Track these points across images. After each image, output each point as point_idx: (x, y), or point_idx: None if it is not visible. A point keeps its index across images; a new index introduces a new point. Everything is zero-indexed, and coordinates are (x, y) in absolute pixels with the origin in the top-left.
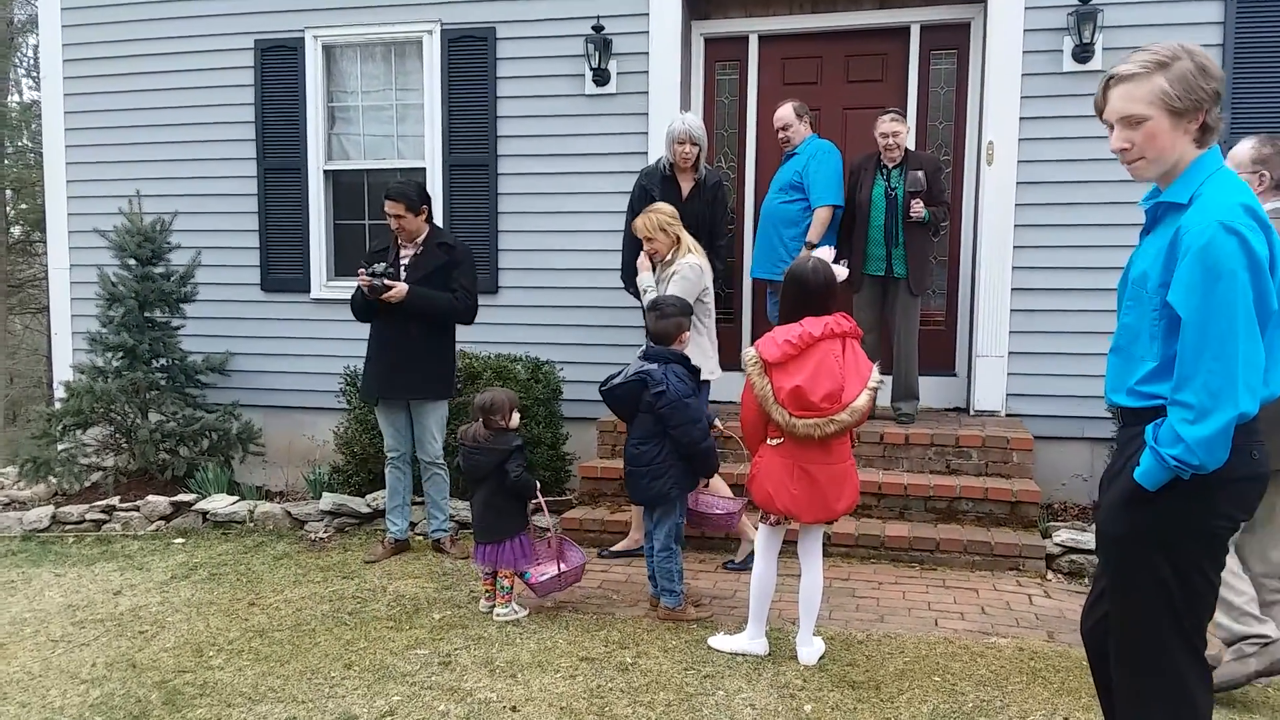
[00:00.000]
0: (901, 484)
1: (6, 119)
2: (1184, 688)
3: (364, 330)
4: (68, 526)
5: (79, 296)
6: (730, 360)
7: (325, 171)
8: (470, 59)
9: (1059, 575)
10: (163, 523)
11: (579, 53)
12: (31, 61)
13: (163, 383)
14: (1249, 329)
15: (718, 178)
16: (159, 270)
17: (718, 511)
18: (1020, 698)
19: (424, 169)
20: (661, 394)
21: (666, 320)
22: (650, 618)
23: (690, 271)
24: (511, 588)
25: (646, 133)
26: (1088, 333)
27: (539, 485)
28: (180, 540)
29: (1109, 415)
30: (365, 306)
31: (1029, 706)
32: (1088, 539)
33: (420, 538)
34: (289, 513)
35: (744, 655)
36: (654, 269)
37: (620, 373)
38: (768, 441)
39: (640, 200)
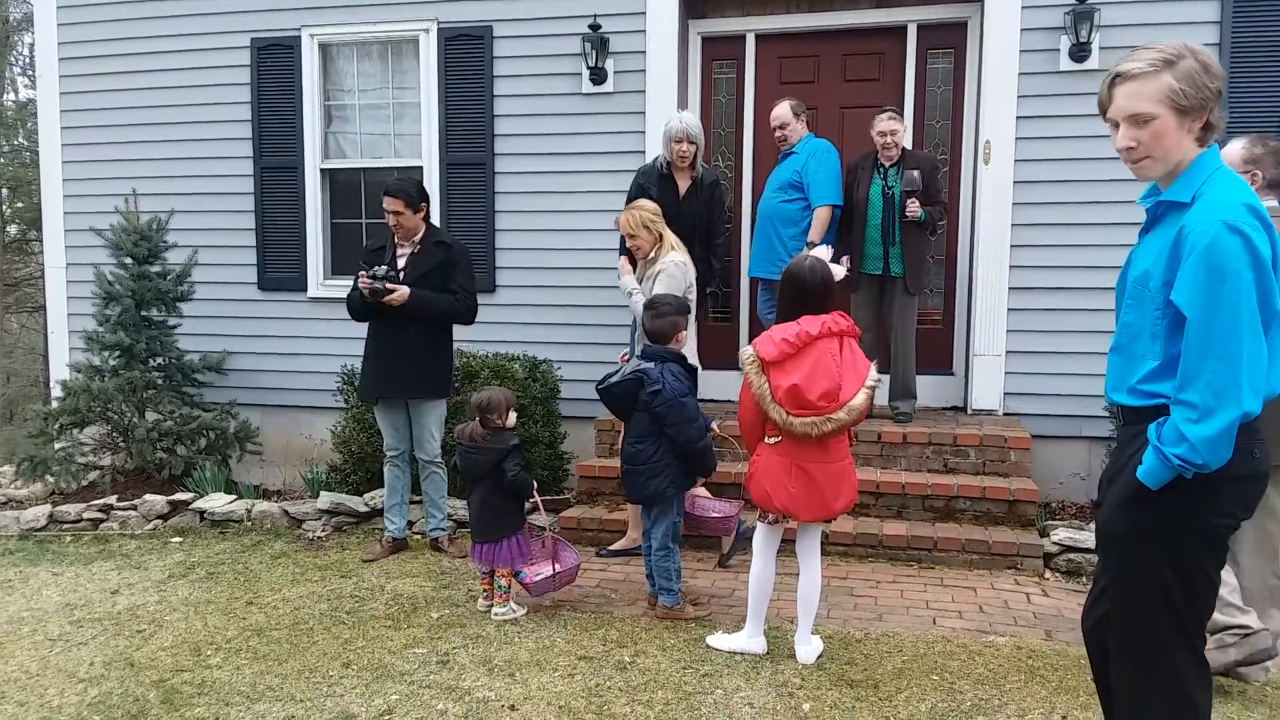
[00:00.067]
0: (899, 483)
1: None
2: (1183, 685)
3: (361, 329)
4: (65, 525)
5: (75, 295)
6: (728, 359)
7: (322, 170)
8: (467, 58)
9: (1057, 574)
10: (160, 522)
11: (576, 51)
12: (27, 60)
13: (160, 381)
14: (1253, 328)
15: (715, 176)
16: (156, 269)
17: (715, 515)
18: (1018, 696)
19: (421, 168)
20: (658, 393)
21: (662, 319)
22: (648, 616)
23: (676, 269)
24: (509, 587)
25: (644, 131)
26: (1085, 332)
27: (536, 484)
28: (178, 539)
29: (1106, 414)
30: (363, 307)
31: (1027, 705)
32: (1085, 538)
33: (418, 536)
34: (287, 512)
35: (742, 654)
36: (635, 268)
37: (617, 371)
38: (765, 440)
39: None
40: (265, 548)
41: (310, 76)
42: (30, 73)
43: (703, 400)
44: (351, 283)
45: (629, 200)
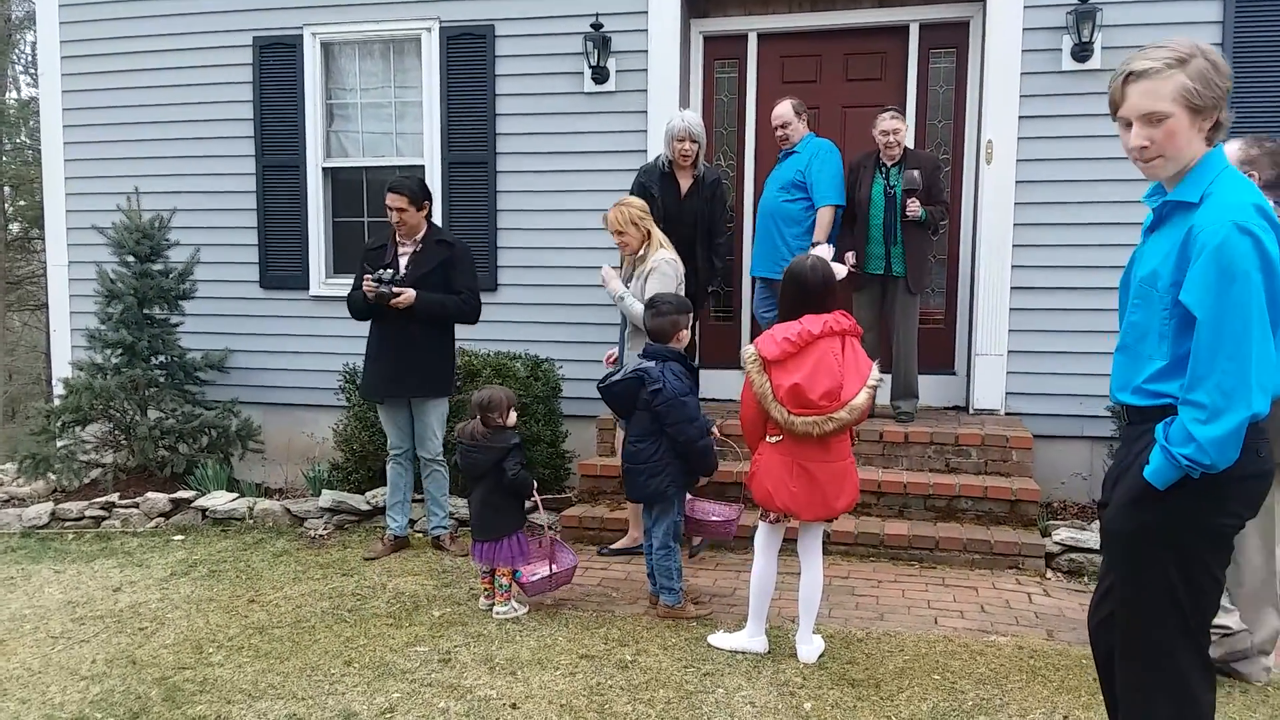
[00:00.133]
0: (901, 482)
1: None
2: (1188, 685)
3: (363, 328)
4: (67, 523)
5: (78, 293)
6: (729, 358)
7: (324, 169)
8: (469, 57)
9: (1058, 574)
10: (162, 519)
11: (578, 51)
12: (29, 58)
13: (162, 380)
14: (1262, 329)
15: (716, 175)
16: (158, 267)
17: (714, 519)
18: (1020, 696)
19: (423, 166)
20: (658, 391)
21: (663, 318)
22: (650, 615)
23: (669, 268)
24: (510, 585)
25: (645, 131)
26: (1087, 331)
27: (536, 484)
28: (180, 537)
29: (1108, 414)
30: (365, 308)
31: (1028, 705)
32: (1087, 537)
33: (420, 535)
34: (288, 510)
35: (744, 653)
36: (622, 267)
37: (619, 370)
38: (767, 439)
39: (639, 198)
40: (267, 546)
41: (312, 75)
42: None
43: (704, 399)
44: (352, 282)
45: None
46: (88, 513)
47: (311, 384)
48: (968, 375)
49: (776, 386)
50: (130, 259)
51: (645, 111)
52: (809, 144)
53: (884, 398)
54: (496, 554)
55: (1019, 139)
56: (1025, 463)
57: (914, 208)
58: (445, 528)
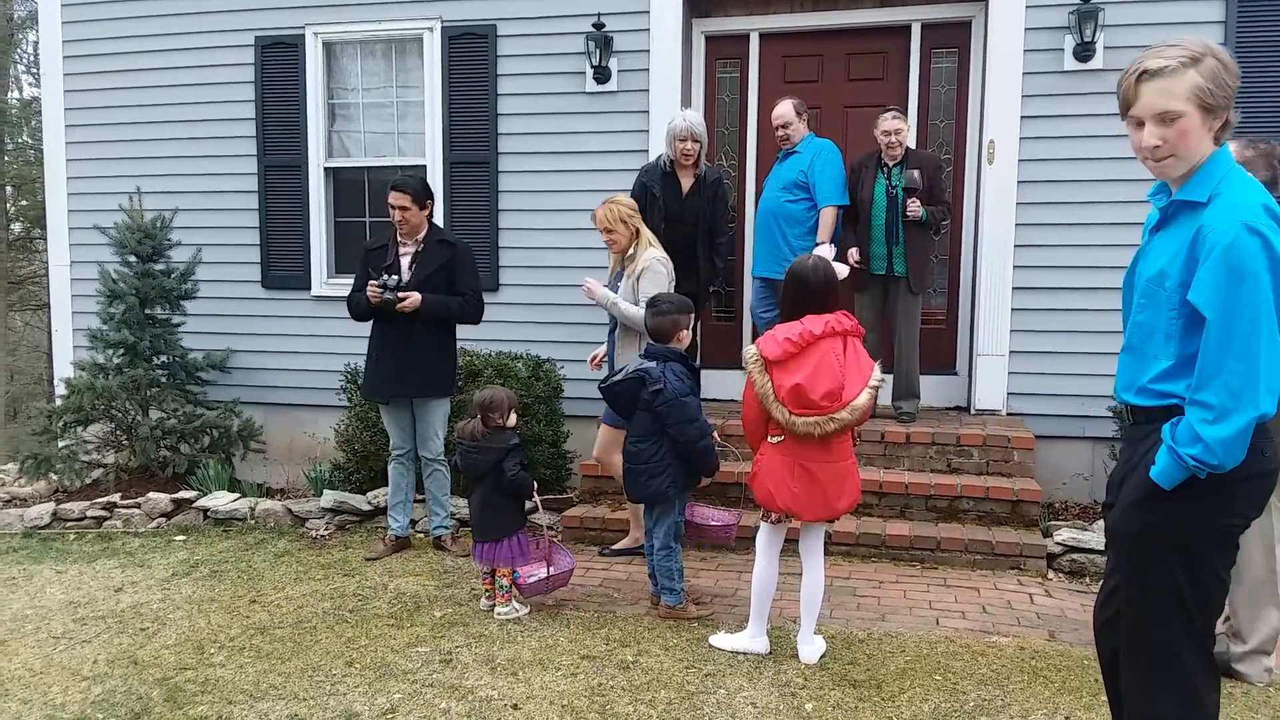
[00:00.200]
0: (902, 483)
1: (6, 116)
2: (1193, 685)
3: (365, 328)
4: (69, 523)
5: (80, 293)
6: (731, 358)
7: (326, 169)
8: (471, 56)
9: (1060, 574)
10: (164, 520)
11: (580, 50)
12: (31, 58)
13: (163, 380)
14: (1271, 330)
15: (718, 174)
16: (160, 267)
17: (714, 524)
18: (1021, 697)
19: (424, 166)
20: (659, 392)
21: (663, 317)
22: (651, 616)
23: (660, 266)
24: (510, 586)
25: (647, 130)
26: (1089, 332)
27: (537, 484)
28: (181, 537)
29: (1110, 414)
30: (367, 309)
31: (1030, 705)
32: (1089, 538)
33: (421, 535)
34: (290, 510)
35: (745, 654)
36: (612, 267)
37: (620, 370)
38: (769, 439)
39: (640, 197)
40: (268, 546)
41: (314, 75)
42: (35, 71)
43: (705, 400)
44: (353, 283)
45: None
46: (89, 513)
47: (313, 384)
48: (969, 375)
49: (778, 387)
50: (132, 259)
51: (647, 111)
52: (810, 144)
53: (885, 398)
54: (496, 554)
55: (1021, 139)
56: (1027, 463)
57: (915, 208)
58: (446, 528)
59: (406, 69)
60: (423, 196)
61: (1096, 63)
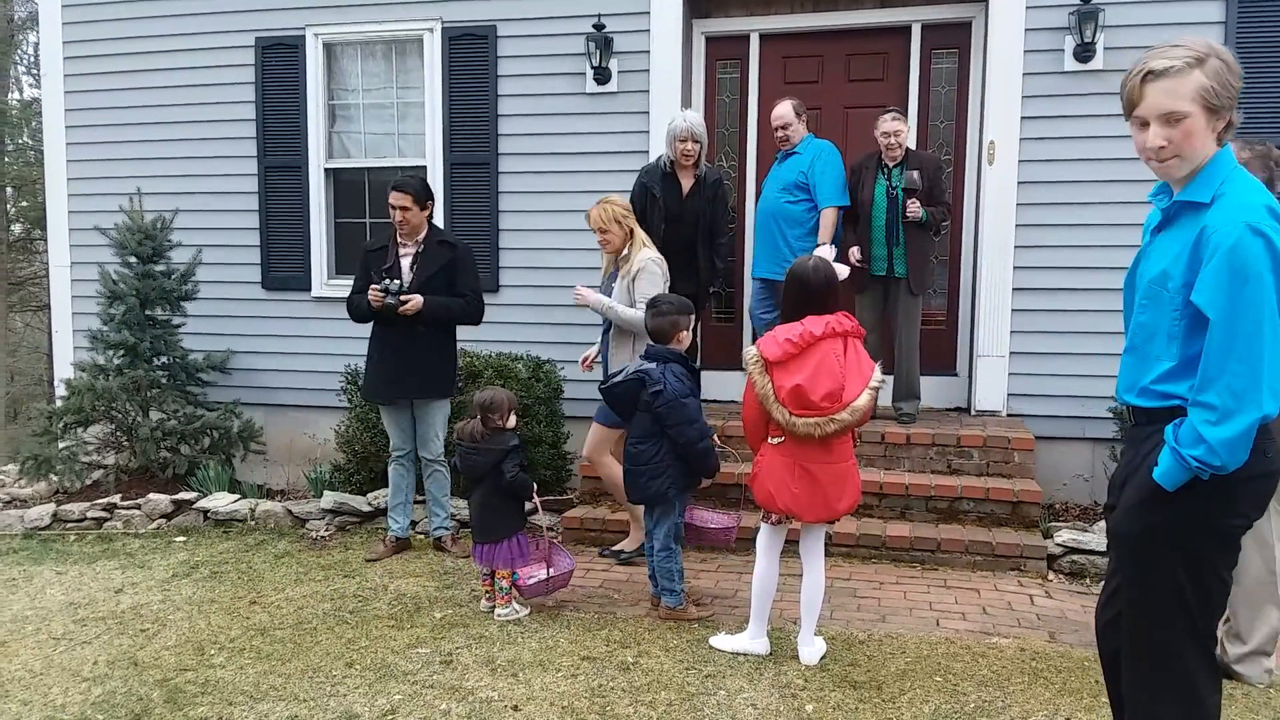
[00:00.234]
0: (903, 484)
1: (7, 116)
2: (1195, 686)
3: (365, 329)
4: (69, 524)
5: (80, 294)
6: (731, 359)
7: (326, 169)
8: (471, 57)
9: (1060, 575)
10: (164, 521)
11: (580, 51)
12: (32, 59)
13: (164, 381)
14: (1274, 331)
15: (718, 175)
16: (160, 268)
17: (713, 526)
18: (1022, 698)
19: (425, 167)
20: (659, 393)
21: (663, 318)
22: (651, 617)
23: (656, 266)
24: (510, 588)
25: (647, 131)
26: (1089, 333)
27: (536, 485)
28: (181, 538)
29: (1110, 415)
30: (367, 312)
31: (1031, 707)
32: (1089, 539)
33: (421, 536)
34: (290, 511)
35: (745, 655)
36: (605, 268)
37: (620, 371)
38: (769, 440)
39: (640, 198)
40: (269, 547)
41: (314, 76)
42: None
43: (705, 400)
44: (352, 284)
45: (631, 199)
46: (89, 514)
47: (313, 385)
48: (969, 376)
49: (778, 387)
50: (132, 260)
51: (647, 112)
52: (810, 145)
53: (886, 399)
54: (496, 556)
55: (1021, 139)
56: (1027, 464)
57: (914, 209)
58: (447, 529)
59: (407, 70)
60: (423, 197)
61: (1097, 63)
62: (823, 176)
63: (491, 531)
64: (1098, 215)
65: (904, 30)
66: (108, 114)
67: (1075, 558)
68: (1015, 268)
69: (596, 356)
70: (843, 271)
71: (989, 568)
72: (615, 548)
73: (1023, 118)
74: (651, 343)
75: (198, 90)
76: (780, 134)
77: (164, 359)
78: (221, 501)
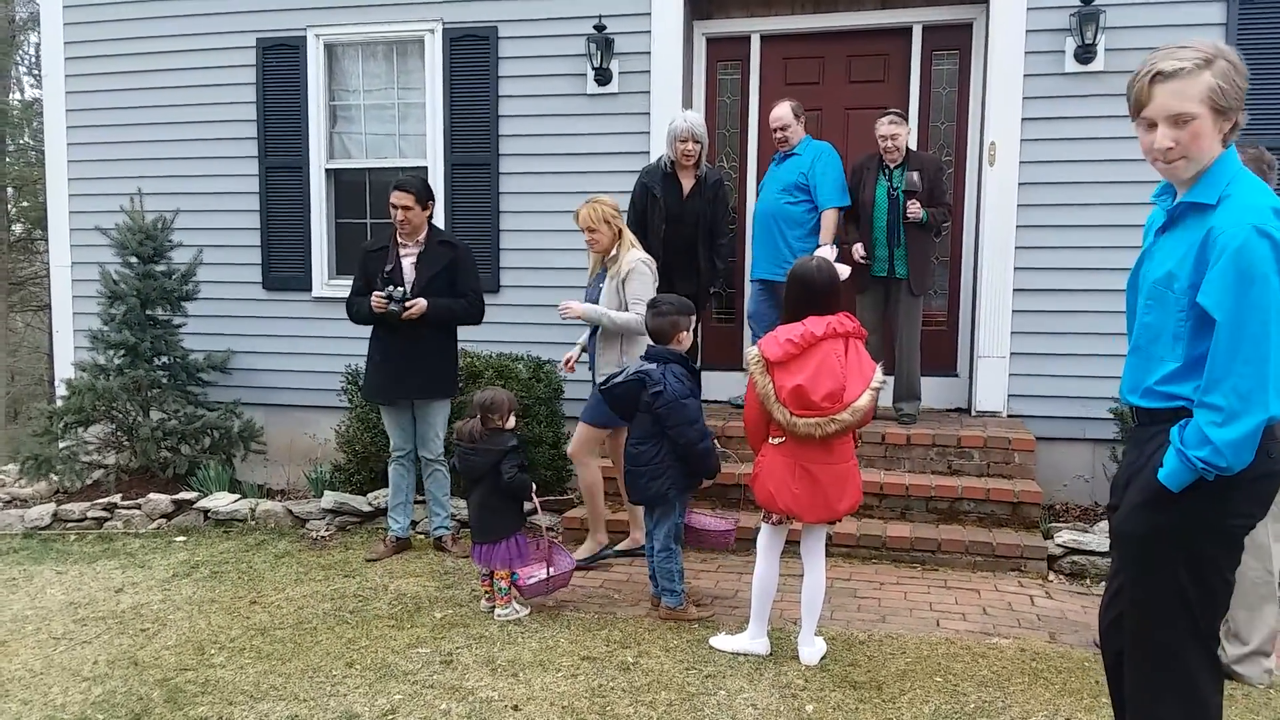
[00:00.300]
0: (903, 484)
1: (8, 117)
2: (1196, 686)
3: (366, 329)
4: (69, 524)
5: (80, 294)
6: (732, 359)
7: (327, 170)
8: (472, 58)
9: (1061, 576)
10: (164, 521)
11: (581, 52)
12: (33, 59)
13: (164, 381)
14: None
15: (718, 176)
16: (161, 268)
17: (712, 529)
18: (1022, 699)
19: (426, 168)
20: (659, 394)
21: (662, 318)
22: (651, 617)
23: (645, 268)
24: (509, 589)
25: (648, 132)
26: (1089, 333)
27: (535, 486)
28: (182, 538)
29: (1111, 416)
30: (369, 316)
31: (1031, 707)
32: (1089, 540)
33: (421, 536)
34: (290, 511)
35: (745, 655)
36: (591, 268)
37: (621, 372)
38: (770, 440)
39: (641, 198)
40: (269, 547)
41: (315, 76)
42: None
43: (705, 401)
44: (351, 285)
45: (632, 200)
46: (90, 514)
47: (314, 385)
48: (970, 377)
49: (779, 387)
50: (133, 260)
51: (648, 113)
52: (809, 146)
53: (886, 399)
54: (494, 556)
55: (1022, 141)
56: (1027, 465)
57: (914, 209)
58: (447, 529)
59: (408, 70)
60: (425, 197)
61: (1097, 65)
62: (823, 178)
63: (490, 532)
64: (1098, 216)
65: (905, 31)
66: (109, 114)
67: (1076, 558)
68: (1016, 268)
69: (579, 357)
70: (844, 271)
71: (989, 568)
72: (614, 547)
73: (1023, 119)
74: (651, 343)
75: (199, 91)
76: (779, 135)
77: (164, 359)
78: (222, 501)
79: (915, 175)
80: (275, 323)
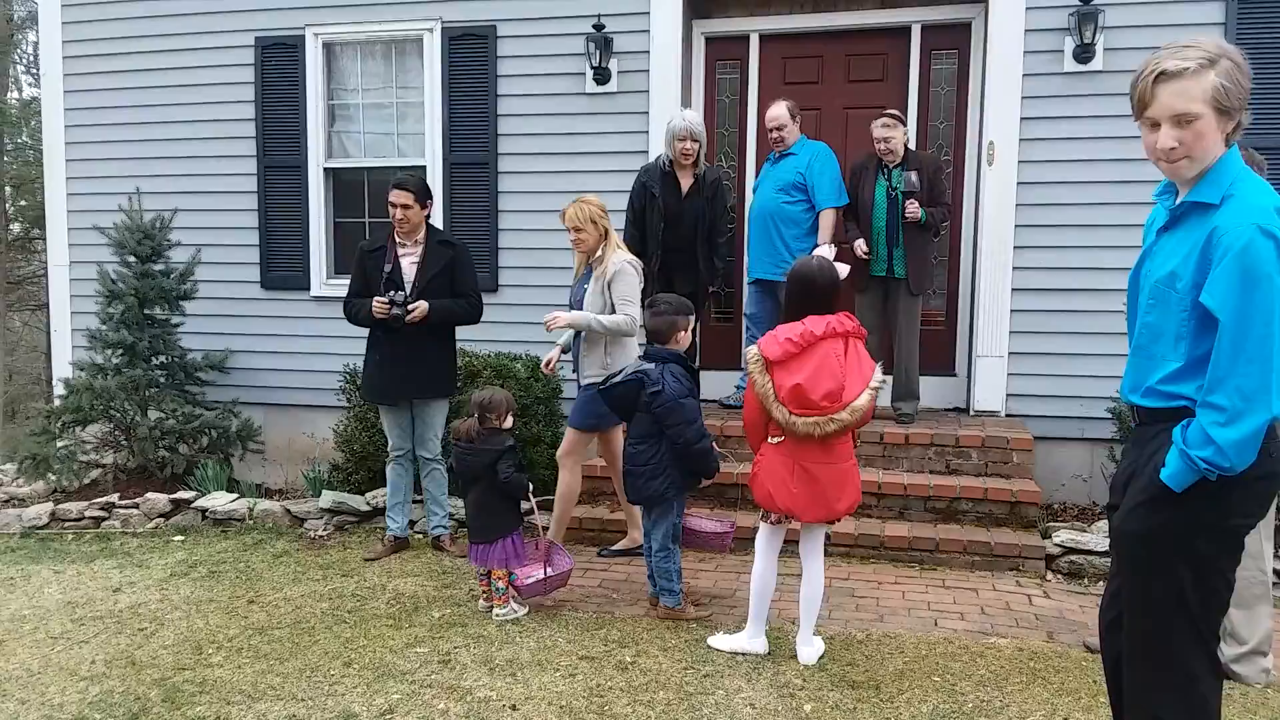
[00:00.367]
0: (901, 484)
1: (6, 116)
2: (1196, 686)
3: (364, 329)
4: (67, 523)
5: (78, 294)
6: (729, 359)
7: (325, 169)
8: (471, 57)
9: (1058, 576)
10: (162, 520)
11: (580, 51)
12: (31, 58)
13: (162, 380)
14: None
15: (717, 175)
16: (159, 267)
17: (708, 531)
18: (1020, 698)
19: (424, 167)
20: (658, 394)
21: (660, 317)
22: (650, 617)
23: (631, 269)
24: (506, 588)
25: (647, 131)
26: (1088, 333)
27: (531, 486)
28: (179, 538)
29: (1109, 416)
30: (368, 319)
31: (1029, 707)
32: (1087, 539)
33: (420, 535)
34: (288, 510)
35: (743, 654)
36: (576, 268)
37: (620, 372)
38: (769, 440)
39: (640, 197)
40: (267, 546)
41: (314, 76)
42: (34, 71)
43: (704, 400)
44: (348, 285)
45: (630, 199)
46: (88, 513)
47: (312, 384)
48: (969, 377)
49: (778, 387)
50: (131, 259)
51: (647, 112)
52: (805, 146)
53: (885, 399)
54: (490, 556)
55: (1020, 140)
56: (1025, 464)
57: (913, 209)
58: (445, 528)
59: (406, 70)
60: (424, 196)
61: (1096, 64)
62: (820, 177)
63: (487, 531)
64: (1097, 216)
65: (904, 31)
66: (107, 113)
67: (1073, 558)
68: (1014, 268)
69: (559, 359)
70: (843, 270)
71: (987, 568)
72: (613, 547)
73: (1022, 118)
74: (642, 343)
75: (197, 90)
76: (775, 135)
77: (162, 358)
78: (220, 501)
79: (914, 175)
80: (273, 322)
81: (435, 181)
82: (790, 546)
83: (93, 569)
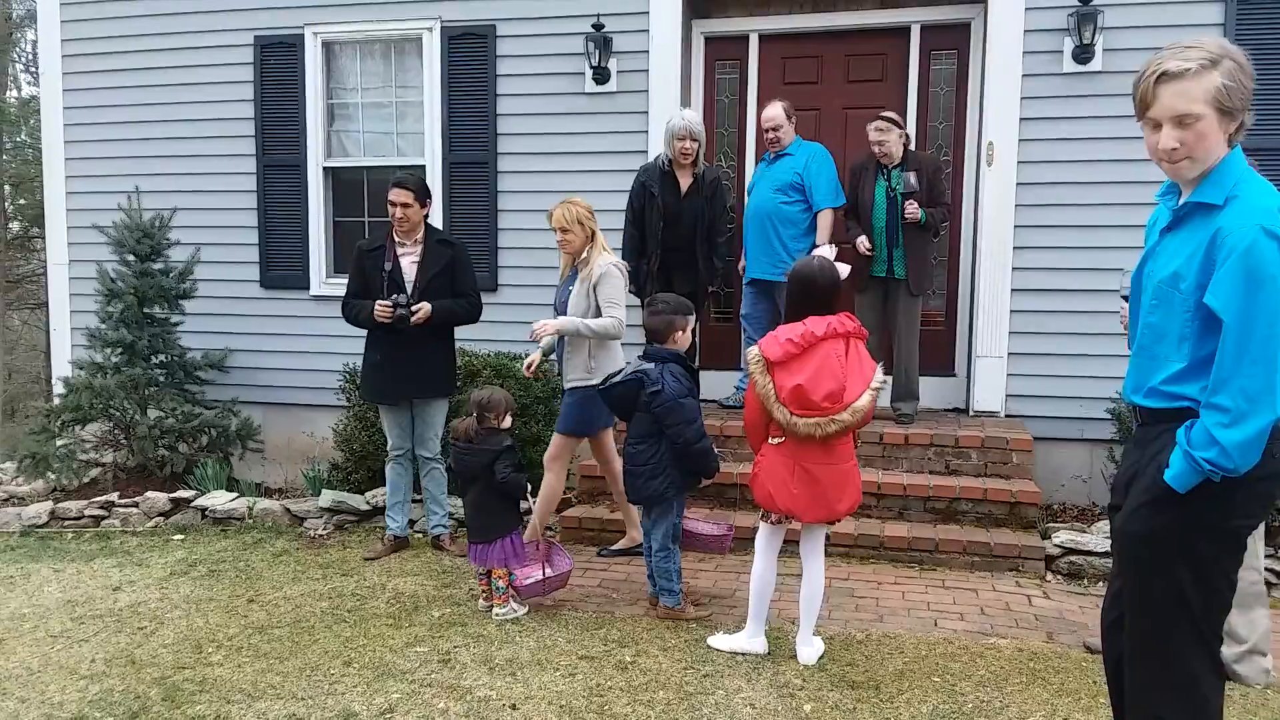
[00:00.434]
0: (901, 484)
1: (5, 114)
2: (1198, 686)
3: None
4: (66, 522)
5: (78, 292)
6: (729, 359)
7: (325, 168)
8: (470, 57)
9: (1058, 576)
10: (162, 519)
11: (579, 51)
12: (30, 57)
13: (162, 379)
14: None
15: (716, 174)
16: (158, 266)
17: (706, 533)
18: (1020, 698)
19: (424, 166)
20: (657, 394)
21: (658, 317)
22: (649, 616)
23: (617, 271)
24: (506, 588)
25: (646, 131)
26: (1088, 334)
27: (529, 486)
28: (179, 537)
29: (1109, 416)
30: (367, 320)
31: (1028, 707)
32: (1087, 540)
33: (419, 535)
34: (288, 509)
35: (743, 654)
36: (562, 270)
37: (619, 372)
38: (769, 440)
39: (639, 197)
40: (267, 546)
41: (313, 75)
42: (33, 70)
43: (704, 400)
44: (347, 285)
45: (630, 199)
46: (87, 512)
47: (311, 384)
48: (968, 377)
49: (779, 387)
50: (131, 258)
51: (646, 112)
52: (801, 147)
53: (884, 399)
54: (489, 556)
55: (1020, 141)
56: (1025, 465)
57: (912, 209)
58: (445, 527)
59: (406, 69)
60: (423, 195)
61: (1095, 65)
62: (818, 178)
63: (485, 531)
64: (1096, 216)
65: (903, 31)
66: (106, 112)
67: (1073, 558)
68: (1014, 269)
69: (540, 362)
70: (844, 271)
71: (987, 568)
72: (612, 547)
73: (1021, 119)
74: (646, 342)
75: (196, 89)
76: (771, 135)
77: (162, 357)
78: (219, 500)
79: (913, 176)
80: (273, 321)
81: (435, 181)
82: (790, 546)
83: (92, 568)
